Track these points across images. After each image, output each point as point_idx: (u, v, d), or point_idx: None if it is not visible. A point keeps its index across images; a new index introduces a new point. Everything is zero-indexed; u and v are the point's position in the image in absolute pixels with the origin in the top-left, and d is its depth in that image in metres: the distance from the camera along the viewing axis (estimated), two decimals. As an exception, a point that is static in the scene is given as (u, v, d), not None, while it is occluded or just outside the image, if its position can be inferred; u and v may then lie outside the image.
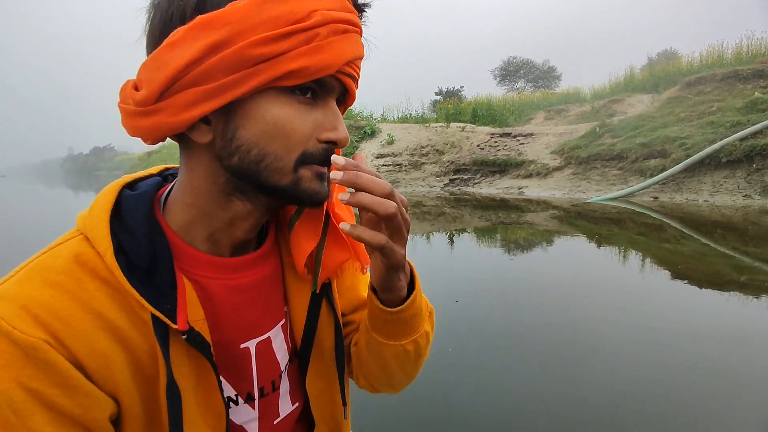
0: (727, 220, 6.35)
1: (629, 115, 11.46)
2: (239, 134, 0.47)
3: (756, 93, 8.65)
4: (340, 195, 0.50)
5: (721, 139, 7.99)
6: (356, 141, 15.29)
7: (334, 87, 0.50)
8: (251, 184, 0.50)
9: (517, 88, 35.31)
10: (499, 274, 4.73)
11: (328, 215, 0.60)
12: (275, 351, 0.60)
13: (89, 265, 0.46)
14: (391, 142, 14.63)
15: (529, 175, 10.81)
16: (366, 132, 15.52)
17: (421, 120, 17.57)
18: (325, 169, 0.52)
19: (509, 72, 39.19)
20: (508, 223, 7.54)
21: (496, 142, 13.26)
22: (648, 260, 5.02)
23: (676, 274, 4.32)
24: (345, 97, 0.55)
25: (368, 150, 14.82)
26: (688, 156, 8.09)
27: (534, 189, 10.03)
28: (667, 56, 19.13)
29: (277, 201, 0.54)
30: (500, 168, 11.79)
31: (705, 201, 7.34)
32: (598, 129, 10.77)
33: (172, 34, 0.44)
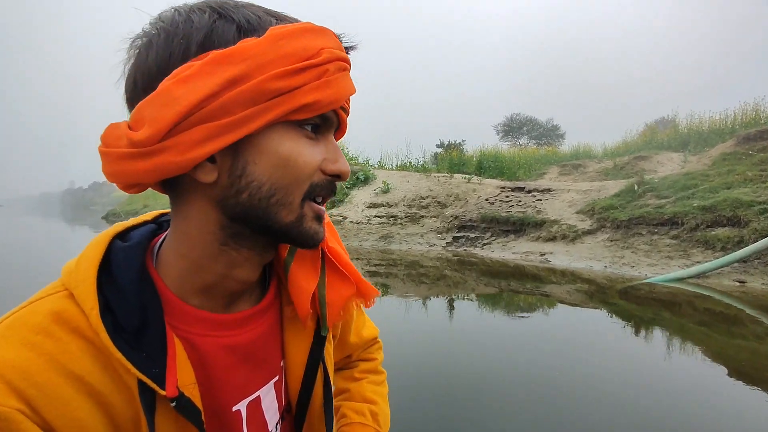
0: None
1: (672, 173, 9.59)
2: (250, 170, 0.47)
3: None
4: None
5: (820, 207, 6.03)
6: (347, 188, 13.38)
7: (334, 121, 0.51)
8: (254, 225, 0.49)
9: (520, 144, 34.43)
10: (501, 362, 3.62)
11: (323, 251, 0.61)
12: (264, 410, 0.57)
13: (71, 324, 0.43)
14: (386, 191, 12.71)
15: (552, 238, 8.76)
16: (359, 178, 13.65)
17: (422, 169, 15.82)
18: (323, 210, 0.53)
19: (512, 128, 38.66)
20: (524, 305, 5.40)
21: (507, 196, 11.34)
22: (706, 357, 2.98)
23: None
24: (337, 132, 0.55)
25: (360, 198, 12.87)
26: (776, 226, 6.09)
27: (561, 256, 7.94)
28: (673, 121, 17.93)
29: (277, 241, 0.53)
30: (515, 227, 9.77)
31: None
32: (637, 187, 8.85)
33: (181, 68, 0.44)
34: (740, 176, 7.65)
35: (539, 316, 5.11)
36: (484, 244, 9.67)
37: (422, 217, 11.50)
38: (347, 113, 0.53)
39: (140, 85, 0.46)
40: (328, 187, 0.51)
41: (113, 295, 0.46)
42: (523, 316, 5.10)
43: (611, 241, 7.89)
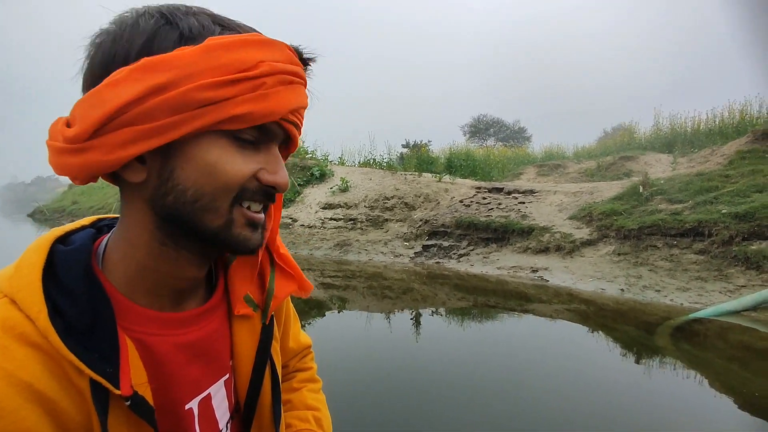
0: None
1: (679, 174, 8.22)
2: (177, 174, 0.47)
3: None
4: None
5: None
6: (300, 184, 11.43)
7: (277, 133, 0.52)
8: (183, 228, 0.50)
9: (487, 146, 33.69)
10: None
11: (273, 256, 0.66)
12: (215, 408, 0.57)
13: (16, 330, 0.42)
14: (344, 189, 10.86)
15: (544, 250, 7.17)
16: (314, 174, 11.73)
17: (387, 166, 14.08)
18: (261, 217, 0.53)
19: (479, 129, 38.10)
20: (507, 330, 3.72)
21: (485, 198, 9.74)
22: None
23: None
24: (288, 144, 0.56)
25: (314, 198, 10.95)
26: None
27: (559, 274, 6.34)
28: (625, 127, 17.16)
29: (209, 247, 0.53)
30: (497, 235, 8.14)
31: None
32: (642, 189, 7.40)
33: (114, 73, 0.45)
34: (770, 177, 6.29)
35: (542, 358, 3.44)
36: (461, 256, 7.98)
37: (386, 220, 9.72)
38: (298, 126, 0.53)
39: (87, 83, 0.48)
40: (261, 194, 0.51)
41: (61, 298, 0.45)
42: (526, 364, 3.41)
43: (619, 255, 6.35)
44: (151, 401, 0.47)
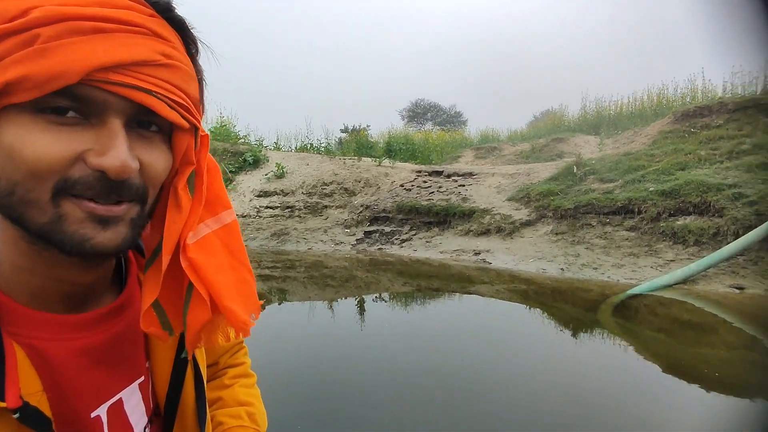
0: None
1: (609, 154, 8.54)
2: None
3: (815, 126, 6.03)
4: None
5: (803, 190, 5.02)
6: (231, 171, 10.76)
7: (107, 102, 0.40)
8: (18, 225, 0.42)
9: (425, 130, 34.11)
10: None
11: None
12: (128, 414, 0.52)
13: None
14: (280, 176, 10.35)
15: (486, 232, 7.18)
16: (247, 160, 11.08)
17: (326, 151, 13.64)
18: (113, 210, 0.42)
19: (417, 113, 38.46)
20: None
21: (425, 182, 9.65)
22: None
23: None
24: (156, 120, 0.44)
25: (247, 185, 10.35)
26: (760, 215, 4.98)
27: (501, 255, 6.36)
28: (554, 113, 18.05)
29: (49, 245, 0.42)
30: (439, 218, 8.07)
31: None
32: (576, 169, 7.59)
33: None
34: (692, 156, 6.64)
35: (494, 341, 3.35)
36: (404, 241, 7.83)
37: (326, 207, 9.37)
38: (151, 92, 0.42)
39: None
40: (96, 183, 0.41)
41: None
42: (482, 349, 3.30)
43: (557, 234, 6.47)
44: (47, 411, 0.43)
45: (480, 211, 7.68)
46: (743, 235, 4.88)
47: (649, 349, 3.30)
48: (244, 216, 9.31)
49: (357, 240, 8.13)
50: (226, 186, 10.37)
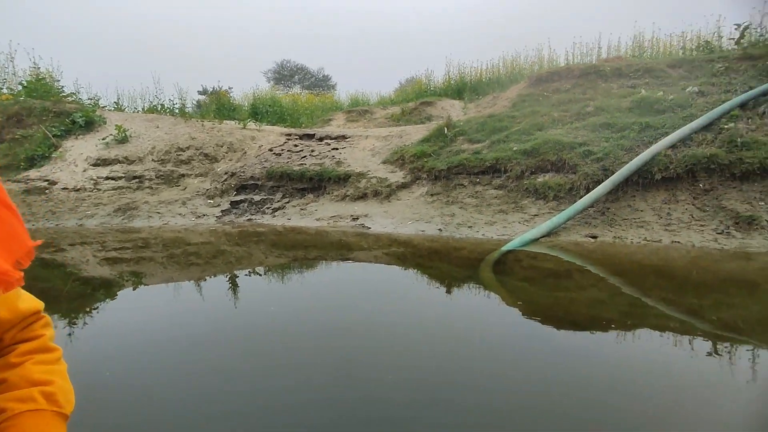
0: (664, 264, 3.76)
1: (475, 116, 8.83)
2: None
3: (643, 91, 6.81)
4: None
5: (637, 147, 5.65)
6: (56, 136, 8.83)
7: None
8: None
9: (293, 93, 32.76)
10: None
11: None
12: None
13: None
14: (122, 140, 8.80)
15: (362, 196, 6.95)
16: (76, 122, 9.18)
17: (181, 113, 12.01)
18: None
19: (284, 75, 36.64)
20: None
21: (296, 145, 9.05)
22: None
23: None
24: None
25: (78, 152, 8.62)
26: (606, 170, 5.49)
27: (380, 219, 6.18)
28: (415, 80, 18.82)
29: None
30: (313, 184, 7.60)
31: (656, 241, 4.70)
32: (447, 130, 7.69)
33: None
34: (547, 117, 7.13)
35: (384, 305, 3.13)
36: (276, 210, 7.23)
37: (183, 176, 8.24)
38: None
39: None
40: None
41: None
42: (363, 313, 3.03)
43: (432, 195, 6.49)
44: None
45: (356, 175, 7.41)
46: (593, 189, 5.35)
47: (519, 297, 3.36)
48: (78, 189, 7.74)
49: (222, 211, 7.29)
50: (50, 153, 8.49)
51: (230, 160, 8.71)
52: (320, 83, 36.98)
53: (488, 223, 5.49)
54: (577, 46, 13.18)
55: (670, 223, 4.81)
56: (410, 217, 6.02)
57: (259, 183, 7.90)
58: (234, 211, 7.36)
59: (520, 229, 5.22)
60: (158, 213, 7.13)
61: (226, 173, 8.18)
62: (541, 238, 4.83)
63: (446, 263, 4.48)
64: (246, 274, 4.48)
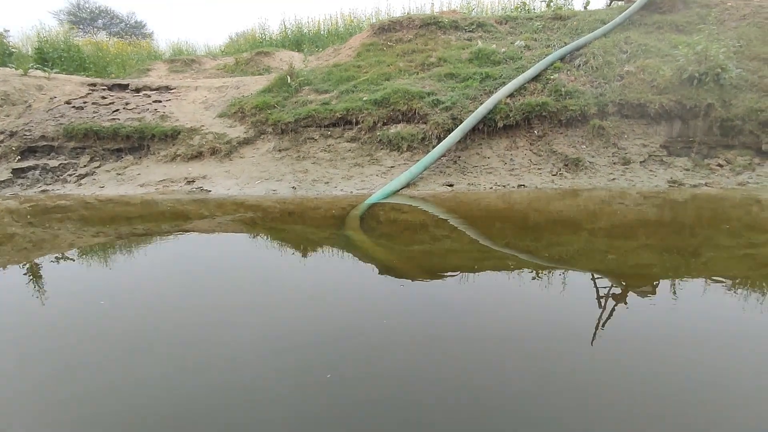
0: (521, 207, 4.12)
1: (319, 66, 8.24)
2: None
3: (479, 43, 7.04)
4: None
5: (480, 96, 5.83)
6: None
7: None
8: None
9: (98, 40, 27.45)
10: None
11: None
12: None
13: None
14: None
15: (198, 155, 5.96)
16: None
17: None
18: None
19: (82, 18, 30.33)
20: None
21: (105, 98, 7.37)
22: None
23: None
24: None
25: None
26: (455, 119, 5.54)
27: (222, 181, 5.36)
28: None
29: None
30: (132, 143, 6.26)
31: (504, 186, 4.94)
32: (290, 80, 7.00)
33: None
34: (393, 67, 6.97)
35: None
36: (82, 177, 5.78)
37: (-68, 138, 6.03)
38: None
39: None
40: None
41: None
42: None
43: (280, 151, 5.86)
44: None
45: (187, 131, 6.31)
46: (444, 138, 5.38)
47: (382, 251, 3.14)
48: None
49: (1, 182, 5.56)
50: None
51: (7, 116, 6.68)
52: (132, 30, 31.60)
53: (345, 177, 5.15)
54: (412, 1, 13.31)
55: (514, 168, 5.10)
56: (258, 176, 5.34)
57: (55, 144, 6.22)
58: (19, 181, 5.68)
59: (378, 182, 5.00)
60: None
61: (2, 133, 6.24)
62: (401, 189, 4.68)
63: (305, 224, 4.02)
64: (52, 261, 3.39)
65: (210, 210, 4.54)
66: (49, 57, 11.12)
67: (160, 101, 7.30)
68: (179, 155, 5.95)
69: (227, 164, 5.72)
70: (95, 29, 30.86)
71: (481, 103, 5.59)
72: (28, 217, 4.79)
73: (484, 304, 2.37)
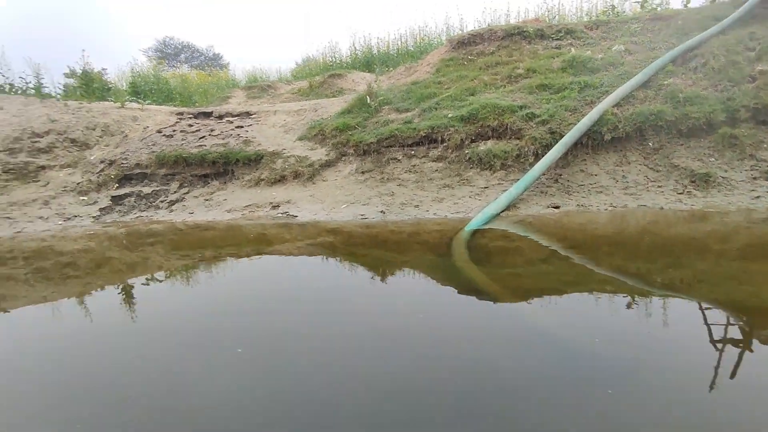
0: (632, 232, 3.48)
1: (396, 84, 8.07)
2: None
3: (573, 50, 6.51)
4: None
5: (581, 108, 5.29)
6: None
7: None
8: None
9: (181, 72, 29.62)
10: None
11: None
12: None
13: None
14: (-50, 126, 6.69)
15: (281, 179, 5.89)
16: None
17: (37, 93, 9.67)
18: None
19: (168, 54, 33.05)
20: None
21: (192, 125, 7.62)
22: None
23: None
24: None
25: None
26: (553, 133, 5.04)
27: (307, 205, 5.21)
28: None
29: None
30: (218, 168, 6.34)
31: (621, 206, 4.36)
32: (369, 99, 6.84)
33: None
34: (477, 81, 6.59)
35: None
36: (173, 202, 5.90)
37: (42, 168, 6.46)
38: None
39: None
40: None
41: None
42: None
43: (363, 173, 5.65)
44: None
45: (269, 155, 6.29)
46: (542, 154, 4.89)
47: (508, 294, 2.71)
48: None
49: (101, 209, 5.79)
50: None
51: (107, 145, 7.05)
52: (210, 62, 33.92)
53: (436, 200, 4.80)
54: (486, 12, 12.96)
55: (628, 186, 4.49)
56: (343, 200, 5.13)
57: (148, 171, 6.44)
58: (117, 207, 5.88)
59: (473, 204, 4.60)
60: (8, 218, 5.43)
61: (102, 162, 6.57)
62: (501, 212, 4.24)
63: (403, 252, 3.70)
64: (142, 283, 3.34)
65: (297, 235, 4.36)
66: (141, 90, 11.96)
67: (242, 126, 7.42)
68: (263, 179, 5.92)
69: (311, 188, 5.58)
70: (179, 63, 33.47)
71: (584, 115, 5.05)
72: (124, 242, 4.89)
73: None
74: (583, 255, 3.27)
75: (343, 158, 6.05)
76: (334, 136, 6.35)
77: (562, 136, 4.90)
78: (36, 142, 6.76)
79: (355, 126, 6.37)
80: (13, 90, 10.23)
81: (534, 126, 5.21)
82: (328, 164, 5.99)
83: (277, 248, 4.03)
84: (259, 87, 12.95)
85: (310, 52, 26.34)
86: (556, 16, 10.19)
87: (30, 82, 10.45)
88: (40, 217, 5.53)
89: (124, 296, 3.19)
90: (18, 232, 5.17)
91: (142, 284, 3.42)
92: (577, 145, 4.93)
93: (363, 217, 4.65)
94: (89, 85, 10.29)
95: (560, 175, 4.85)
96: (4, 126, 6.89)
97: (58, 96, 10.43)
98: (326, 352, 2.07)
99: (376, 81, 11.78)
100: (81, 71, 17.45)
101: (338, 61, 15.75)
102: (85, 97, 9.45)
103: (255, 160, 6.25)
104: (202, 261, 3.92)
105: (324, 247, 3.94)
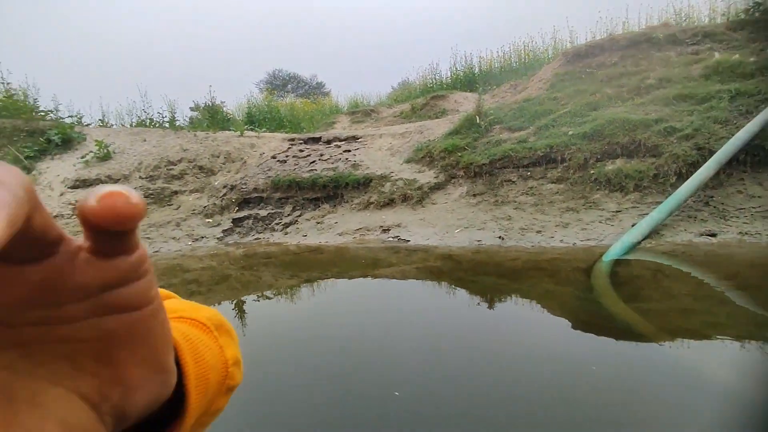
0: None
1: (506, 102, 7.75)
2: None
3: (716, 54, 5.73)
4: None
5: (735, 119, 4.55)
6: (29, 158, 7.73)
7: None
8: None
9: (288, 101, 31.92)
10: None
11: None
12: None
13: None
14: (105, 157, 7.69)
15: (390, 202, 5.84)
16: (51, 140, 8.08)
17: (171, 126, 10.92)
18: None
19: (276, 85, 35.78)
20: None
21: (302, 150, 7.95)
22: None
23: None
24: None
25: (55, 174, 7.51)
26: (700, 150, 4.38)
27: (417, 229, 5.07)
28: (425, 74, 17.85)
29: None
30: (328, 192, 6.49)
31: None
32: (479, 119, 6.60)
33: None
34: (600, 95, 6.04)
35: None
36: (287, 225, 6.12)
37: (175, 193, 7.13)
38: None
39: None
40: None
41: None
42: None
43: (475, 196, 5.38)
44: None
45: (377, 178, 6.30)
46: (687, 173, 4.26)
47: (668, 339, 2.26)
48: (54, 216, 6.62)
49: (224, 231, 6.18)
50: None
51: (228, 171, 7.61)
52: (314, 90, 36.11)
53: (560, 225, 4.38)
54: (601, 23, 12.14)
55: (807, 210, 3.71)
56: (456, 224, 4.90)
57: (264, 195, 6.79)
58: (237, 229, 6.24)
59: (605, 230, 4.11)
60: (149, 239, 6.01)
61: (224, 187, 7.07)
62: (643, 240, 3.72)
63: (531, 282, 3.36)
64: (254, 300, 3.40)
65: (413, 261, 4.21)
66: (255, 119, 12.91)
67: (350, 150, 7.57)
68: (372, 203, 5.91)
69: (420, 211, 5.44)
70: (286, 93, 36.14)
71: (738, 127, 4.33)
72: (241, 262, 5.14)
73: None
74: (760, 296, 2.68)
75: (453, 180, 5.84)
76: (442, 158, 6.19)
77: (711, 152, 4.23)
78: (171, 169, 7.50)
79: (464, 147, 6.16)
80: (153, 124, 11.61)
81: (675, 141, 4.58)
82: (437, 187, 5.83)
83: (395, 270, 3.90)
84: (362, 111, 13.34)
85: (409, 75, 26.83)
86: (686, 19, 9.15)
87: (165, 117, 11.80)
88: (173, 238, 6.04)
89: (235, 309, 3.27)
90: (156, 251, 5.68)
91: (253, 300, 3.49)
92: (731, 162, 4.22)
93: (479, 242, 4.38)
94: (214, 117, 11.32)
95: (711, 197, 4.17)
96: (146, 156, 7.76)
97: (187, 128, 11.63)
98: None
99: (480, 100, 11.54)
100: (205, 104, 19.38)
101: (438, 83, 15.75)
102: (210, 128, 10.40)
103: (364, 184, 6.29)
104: (308, 281, 3.94)
105: (454, 278, 3.73)
